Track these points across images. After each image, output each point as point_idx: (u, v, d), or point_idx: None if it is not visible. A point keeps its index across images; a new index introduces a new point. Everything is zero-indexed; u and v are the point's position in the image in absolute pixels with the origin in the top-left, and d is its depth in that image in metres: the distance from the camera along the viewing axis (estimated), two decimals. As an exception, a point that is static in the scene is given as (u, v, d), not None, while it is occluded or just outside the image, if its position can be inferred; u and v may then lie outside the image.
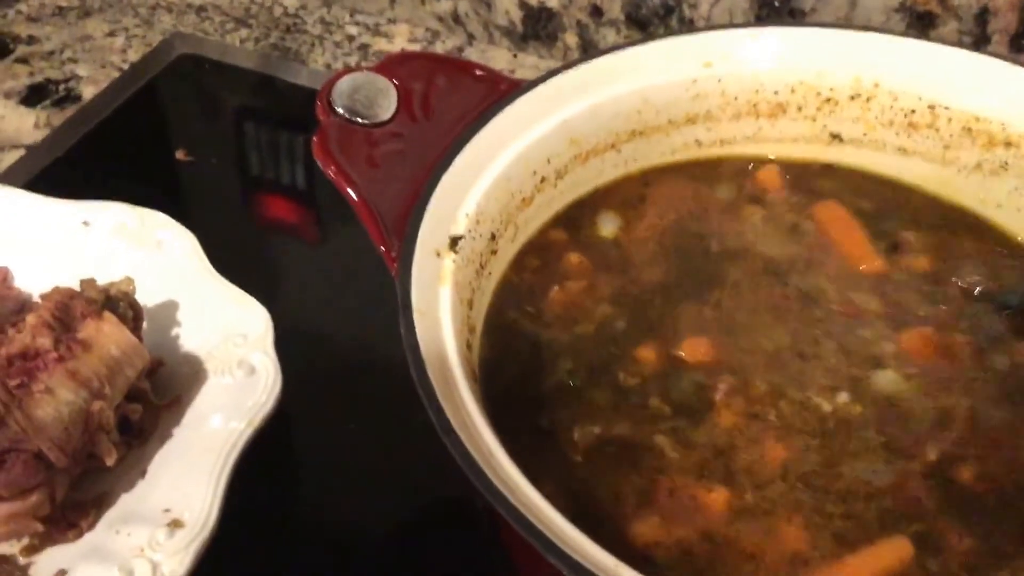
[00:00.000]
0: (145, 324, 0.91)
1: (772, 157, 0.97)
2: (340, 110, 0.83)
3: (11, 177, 1.19)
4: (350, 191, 0.78)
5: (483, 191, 0.82)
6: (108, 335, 0.84)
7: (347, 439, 0.96)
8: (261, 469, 0.84)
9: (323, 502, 0.93)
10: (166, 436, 0.86)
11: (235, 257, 0.99)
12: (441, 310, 0.74)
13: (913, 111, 0.92)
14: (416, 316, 0.70)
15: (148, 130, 1.34)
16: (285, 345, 0.89)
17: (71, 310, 0.84)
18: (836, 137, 0.95)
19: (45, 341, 0.81)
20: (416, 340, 0.68)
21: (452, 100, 0.86)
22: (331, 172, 0.79)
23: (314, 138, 0.81)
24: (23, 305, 0.93)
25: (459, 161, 0.81)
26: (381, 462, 0.93)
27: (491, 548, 0.87)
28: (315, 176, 1.26)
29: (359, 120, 0.83)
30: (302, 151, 1.30)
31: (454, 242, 0.78)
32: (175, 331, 0.94)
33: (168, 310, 0.95)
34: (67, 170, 1.23)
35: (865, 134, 0.95)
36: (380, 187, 0.78)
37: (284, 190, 1.27)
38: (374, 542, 0.90)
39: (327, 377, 1.00)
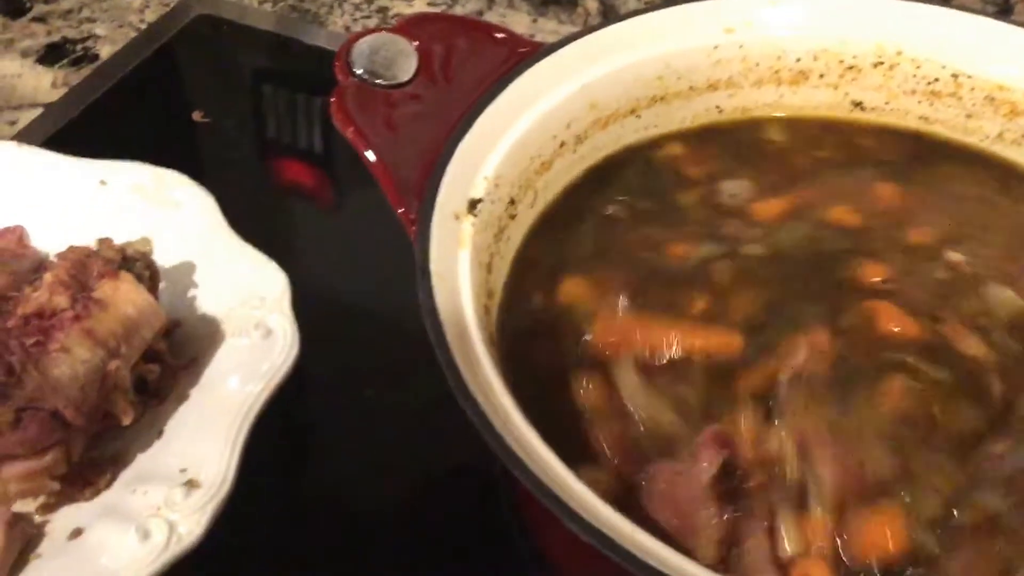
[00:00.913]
0: (162, 284, 0.91)
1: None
2: (359, 71, 0.83)
3: (28, 136, 1.19)
4: (368, 153, 0.77)
5: (502, 155, 0.81)
6: (125, 295, 0.84)
7: (361, 404, 0.96)
8: (275, 434, 0.84)
9: (337, 468, 0.93)
10: (183, 397, 0.86)
11: (250, 219, 0.99)
12: (459, 274, 0.73)
13: (936, 79, 0.91)
14: (434, 279, 0.70)
15: (165, 91, 1.34)
16: (298, 309, 0.89)
17: (88, 269, 0.84)
18: (858, 105, 0.95)
19: (62, 300, 0.81)
20: (434, 304, 0.68)
21: (472, 62, 0.85)
22: (349, 134, 0.79)
23: (332, 99, 0.81)
24: (39, 264, 0.93)
25: (478, 124, 0.80)
26: (395, 428, 0.93)
27: (507, 516, 0.87)
28: (332, 139, 1.25)
29: (378, 81, 0.83)
30: (319, 114, 1.29)
31: (472, 205, 0.77)
32: (192, 292, 0.94)
33: (185, 271, 0.95)
34: (84, 130, 1.23)
35: (887, 102, 0.94)
36: (398, 149, 0.78)
37: (301, 153, 1.27)
38: (388, 508, 0.90)
39: (341, 341, 0.99)
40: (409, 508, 0.90)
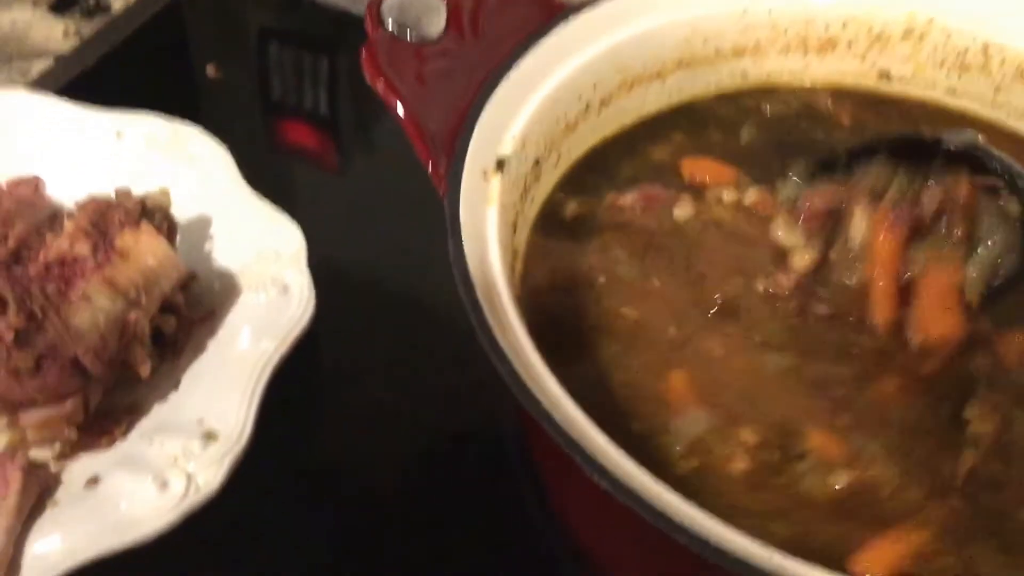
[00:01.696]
0: (178, 238, 0.91)
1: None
2: (389, 25, 0.82)
3: (42, 85, 1.17)
4: (398, 107, 0.77)
5: (530, 114, 0.81)
6: (146, 245, 0.83)
7: (370, 366, 0.96)
8: (288, 389, 0.83)
9: (346, 427, 0.93)
10: (199, 350, 0.86)
11: (261, 176, 0.98)
12: (488, 230, 0.73)
13: (966, 51, 0.91)
14: (464, 235, 0.69)
15: (177, 44, 1.33)
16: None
17: (109, 219, 0.84)
18: (884, 75, 0.94)
19: (83, 248, 0.81)
20: (464, 259, 0.68)
21: (501, 19, 0.84)
22: (379, 87, 0.78)
23: (362, 52, 0.80)
24: (55, 214, 0.92)
25: (507, 82, 0.80)
26: (405, 387, 0.93)
27: (518, 479, 0.87)
28: (341, 99, 1.25)
29: (408, 36, 0.82)
30: (329, 72, 1.29)
31: (500, 164, 0.77)
32: (208, 246, 0.93)
33: (201, 224, 0.94)
34: (96, 81, 1.21)
35: (915, 73, 0.94)
36: (428, 104, 0.78)
37: (309, 113, 1.26)
38: (400, 465, 0.90)
39: (344, 300, 0.98)
40: (423, 465, 0.90)
